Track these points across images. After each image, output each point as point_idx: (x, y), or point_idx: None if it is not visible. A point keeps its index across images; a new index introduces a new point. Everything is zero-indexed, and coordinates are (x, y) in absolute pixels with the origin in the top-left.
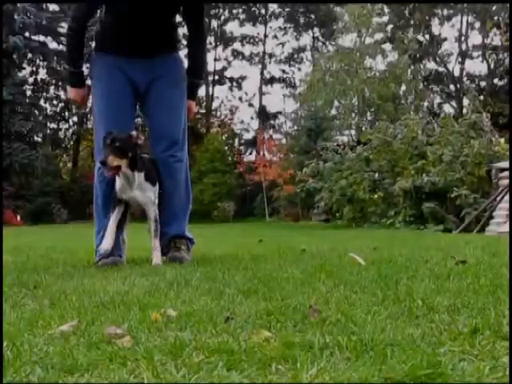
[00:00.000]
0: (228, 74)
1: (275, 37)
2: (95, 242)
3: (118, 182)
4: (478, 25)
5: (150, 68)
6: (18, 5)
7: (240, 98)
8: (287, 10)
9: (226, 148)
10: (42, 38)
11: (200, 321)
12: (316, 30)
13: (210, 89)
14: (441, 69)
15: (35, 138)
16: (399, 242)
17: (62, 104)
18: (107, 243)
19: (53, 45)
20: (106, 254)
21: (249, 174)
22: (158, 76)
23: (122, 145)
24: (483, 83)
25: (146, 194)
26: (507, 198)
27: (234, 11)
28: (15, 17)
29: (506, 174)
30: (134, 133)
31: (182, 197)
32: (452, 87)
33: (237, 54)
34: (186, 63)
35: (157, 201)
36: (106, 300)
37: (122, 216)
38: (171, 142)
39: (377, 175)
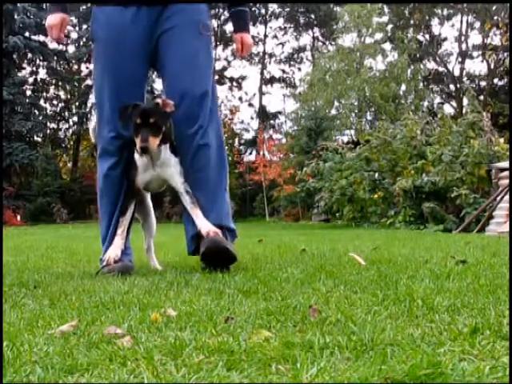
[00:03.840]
0: (228, 74)
1: (275, 37)
2: (102, 249)
3: (139, 163)
4: (477, 25)
5: (164, 17)
6: (18, 5)
7: (240, 98)
8: (287, 9)
9: (226, 148)
10: (41, 37)
11: (200, 321)
12: (316, 30)
13: None
14: (441, 69)
15: (35, 137)
16: (399, 242)
17: (62, 104)
18: (115, 252)
19: (53, 45)
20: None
21: (249, 174)
22: (174, 24)
23: (157, 120)
24: (483, 83)
25: (171, 168)
26: (507, 197)
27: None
28: (15, 17)
29: (506, 173)
30: (159, 100)
31: (211, 180)
32: (452, 87)
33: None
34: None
35: (182, 170)
36: (105, 300)
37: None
38: (192, 103)
39: (377, 175)
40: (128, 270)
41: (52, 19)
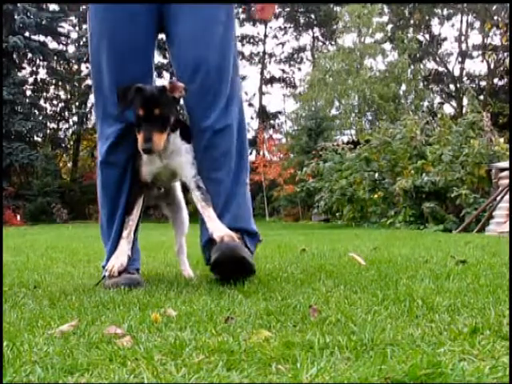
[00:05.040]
0: None
1: (275, 37)
2: (105, 251)
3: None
4: (477, 25)
5: None
6: (18, 5)
7: None
8: (287, 9)
9: None
10: (42, 37)
11: (200, 321)
12: (316, 29)
13: None
14: (441, 69)
15: (35, 137)
16: (399, 242)
17: (62, 104)
18: (120, 260)
19: (53, 45)
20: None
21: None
22: None
23: (164, 111)
24: (483, 83)
25: (181, 157)
26: (507, 197)
27: (234, 11)
28: (15, 17)
29: (506, 173)
30: (166, 83)
31: (229, 172)
32: (452, 87)
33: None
34: None
35: (194, 160)
36: (105, 300)
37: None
38: (209, 76)
39: (377, 175)
40: (135, 284)
41: None
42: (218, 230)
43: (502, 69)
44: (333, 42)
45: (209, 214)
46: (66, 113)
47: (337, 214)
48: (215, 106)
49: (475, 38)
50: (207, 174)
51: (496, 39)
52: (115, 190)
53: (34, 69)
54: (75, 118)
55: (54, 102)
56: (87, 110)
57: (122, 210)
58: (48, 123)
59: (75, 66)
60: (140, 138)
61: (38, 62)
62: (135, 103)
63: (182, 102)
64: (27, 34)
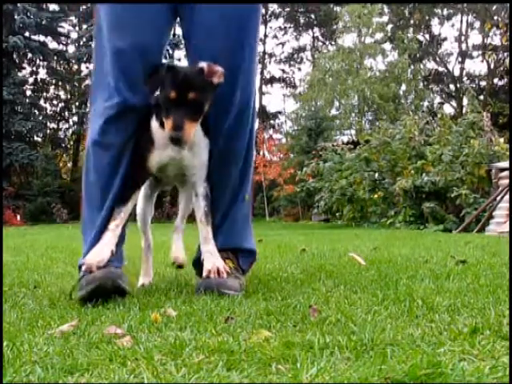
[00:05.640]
0: None
1: (275, 37)
2: (83, 248)
3: (156, 136)
4: (477, 25)
5: None
6: (18, 5)
7: None
8: (287, 9)
9: None
10: (42, 37)
11: (200, 321)
12: (316, 29)
13: None
14: (441, 69)
15: (35, 137)
16: (399, 242)
17: (62, 104)
18: (101, 254)
19: (53, 45)
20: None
21: None
22: None
23: (200, 95)
24: (483, 83)
25: (199, 155)
26: (507, 197)
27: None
28: (15, 17)
29: (506, 173)
30: (204, 64)
31: (230, 186)
32: (452, 87)
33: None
34: None
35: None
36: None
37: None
38: (226, 75)
39: (377, 175)
40: (113, 279)
41: None
42: (209, 259)
43: (502, 69)
44: (333, 42)
45: (206, 234)
46: (66, 113)
47: (337, 214)
48: (229, 109)
49: (475, 37)
50: (214, 180)
51: (496, 39)
52: (108, 176)
53: (34, 69)
54: (75, 118)
55: (54, 102)
56: (87, 109)
57: (112, 198)
58: (48, 123)
59: (75, 66)
60: (169, 124)
61: (38, 62)
62: (166, 84)
63: None
64: (27, 34)
